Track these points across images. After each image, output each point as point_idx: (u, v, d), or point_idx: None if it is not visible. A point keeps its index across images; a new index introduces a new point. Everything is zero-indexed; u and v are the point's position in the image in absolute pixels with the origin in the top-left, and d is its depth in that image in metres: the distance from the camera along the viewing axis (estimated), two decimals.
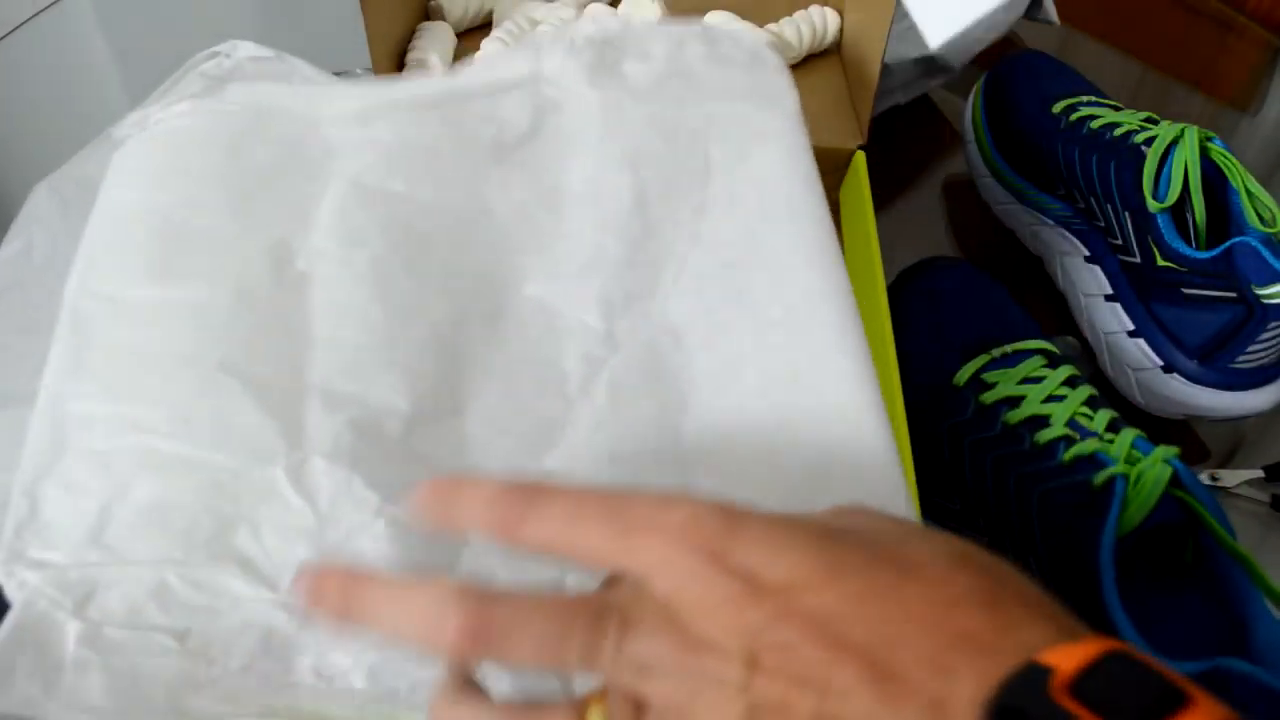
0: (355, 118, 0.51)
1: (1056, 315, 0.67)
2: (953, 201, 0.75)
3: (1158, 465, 0.46)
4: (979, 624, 0.26)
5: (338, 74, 0.58)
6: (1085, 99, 0.66)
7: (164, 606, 0.37)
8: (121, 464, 0.40)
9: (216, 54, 0.55)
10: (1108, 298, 0.62)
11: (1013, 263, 0.70)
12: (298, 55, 0.56)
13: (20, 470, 0.40)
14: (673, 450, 0.43)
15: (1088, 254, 0.64)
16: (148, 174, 0.49)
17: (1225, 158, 0.59)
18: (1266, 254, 0.53)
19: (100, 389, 0.41)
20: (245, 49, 0.56)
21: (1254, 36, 0.92)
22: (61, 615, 0.36)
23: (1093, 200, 0.62)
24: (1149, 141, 0.60)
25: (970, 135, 0.72)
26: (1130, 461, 0.47)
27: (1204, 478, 0.59)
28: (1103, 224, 0.62)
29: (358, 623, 0.31)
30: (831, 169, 0.62)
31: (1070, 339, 0.66)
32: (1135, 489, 0.45)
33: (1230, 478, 0.59)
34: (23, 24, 0.75)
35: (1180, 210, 0.59)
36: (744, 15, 0.69)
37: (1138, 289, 0.60)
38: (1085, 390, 0.52)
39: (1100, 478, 0.46)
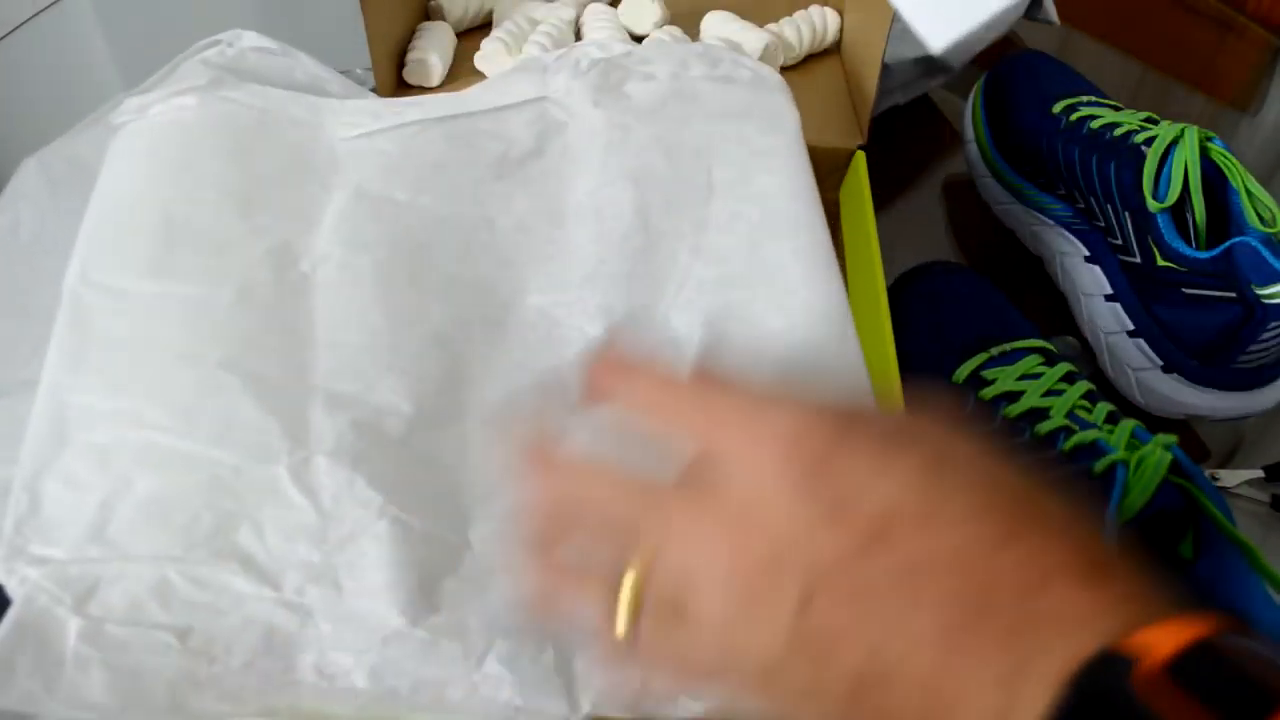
0: (363, 134, 0.51)
1: (1056, 315, 0.67)
2: (953, 201, 0.75)
3: (1158, 451, 0.46)
4: (1072, 599, 0.24)
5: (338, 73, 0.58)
6: (1085, 99, 0.66)
7: (165, 604, 0.37)
8: (122, 459, 0.40)
9: (218, 42, 0.55)
10: (1107, 297, 0.62)
11: (1013, 263, 0.70)
12: None
13: (20, 464, 0.40)
14: (672, 457, 0.43)
15: (1088, 254, 0.64)
16: (151, 165, 0.49)
17: (1225, 158, 0.59)
18: (1266, 254, 0.54)
19: (101, 383, 0.41)
20: (248, 39, 0.56)
21: (1254, 36, 0.92)
22: (62, 611, 0.36)
23: (1093, 200, 0.62)
24: (1149, 141, 0.60)
25: (970, 135, 0.72)
26: (1130, 448, 0.47)
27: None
28: (1103, 224, 0.62)
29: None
30: (831, 169, 0.62)
31: (1070, 339, 0.66)
32: (1136, 475, 0.45)
33: (1230, 478, 0.59)
34: (23, 24, 0.75)
35: (1180, 210, 0.59)
36: (744, 15, 0.69)
37: (1138, 289, 0.60)
38: (1083, 385, 0.52)
39: (1101, 465, 0.46)
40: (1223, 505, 0.46)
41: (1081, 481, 0.47)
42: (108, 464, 0.40)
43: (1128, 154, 0.61)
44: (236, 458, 0.40)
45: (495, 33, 0.68)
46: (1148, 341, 0.60)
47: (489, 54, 0.67)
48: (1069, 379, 0.52)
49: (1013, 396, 0.52)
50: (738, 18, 0.69)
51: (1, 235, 0.50)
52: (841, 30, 0.71)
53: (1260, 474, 0.59)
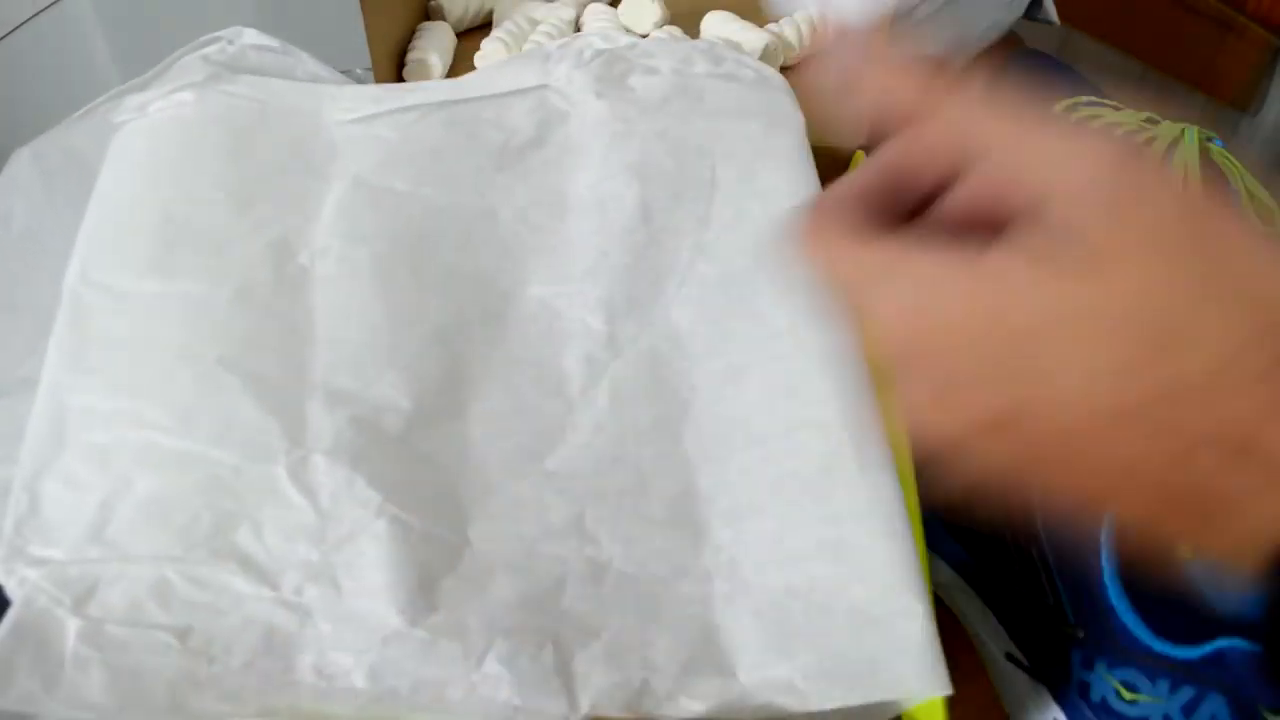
0: (361, 119, 0.51)
1: None
2: None
3: None
4: None
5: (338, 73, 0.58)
6: (1085, 99, 0.66)
7: (164, 604, 0.37)
8: (122, 459, 0.40)
9: (219, 39, 0.55)
10: None
11: None
12: None
13: (20, 465, 0.40)
14: (673, 454, 0.43)
15: None
16: (149, 163, 0.49)
17: (1225, 158, 0.59)
18: None
19: (101, 383, 0.41)
20: (248, 36, 0.56)
21: (1254, 36, 0.92)
22: (62, 612, 0.36)
23: None
24: (1149, 142, 0.60)
25: None
26: None
27: None
28: None
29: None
30: (831, 169, 0.62)
31: None
32: None
33: None
34: (23, 24, 0.75)
35: None
36: (744, 15, 0.69)
37: None
38: None
39: None
40: None
41: None
42: (107, 464, 0.40)
43: None
44: (236, 457, 0.40)
45: (495, 33, 0.68)
46: None
47: (489, 54, 0.67)
48: None
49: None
50: (738, 18, 0.69)
51: None
52: None
53: None
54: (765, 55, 0.66)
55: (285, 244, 0.46)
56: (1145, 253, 0.22)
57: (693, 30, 0.69)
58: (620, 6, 0.70)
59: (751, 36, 0.67)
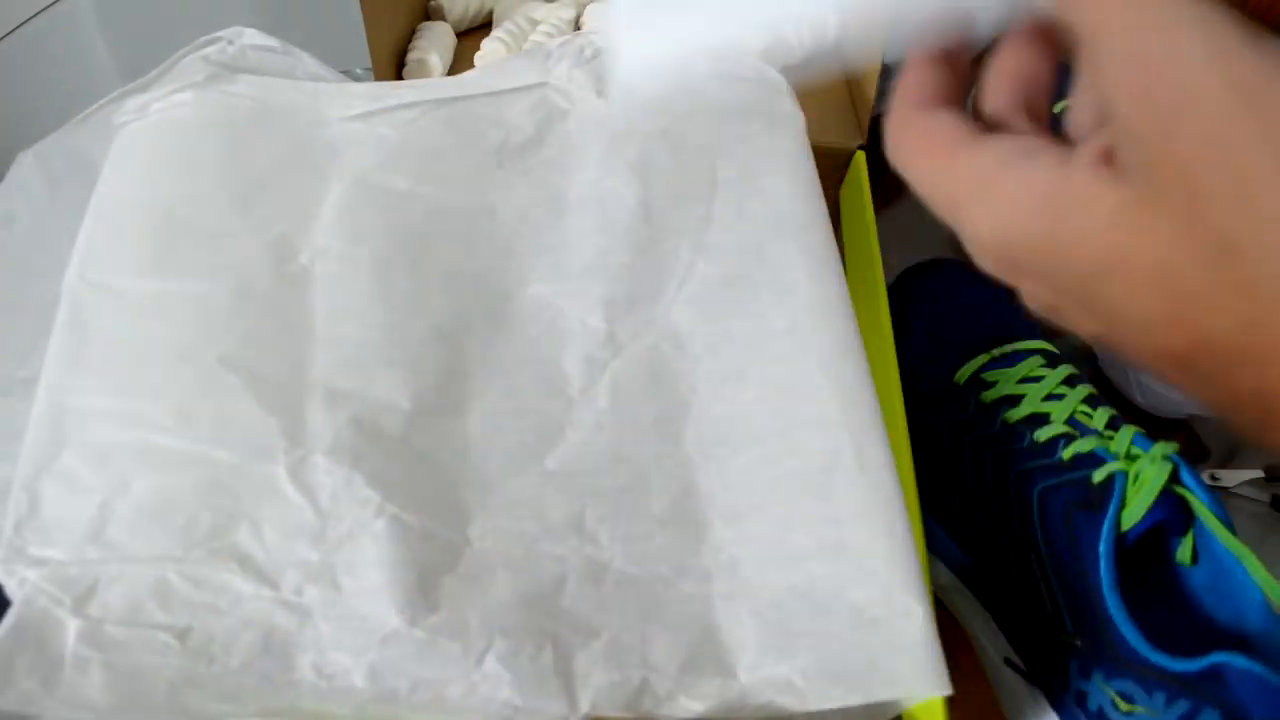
0: (361, 116, 0.51)
1: None
2: None
3: (1157, 462, 0.46)
4: None
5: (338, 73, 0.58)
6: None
7: (164, 604, 0.37)
8: (121, 459, 0.40)
9: (219, 39, 0.55)
10: None
11: None
12: None
13: (20, 465, 0.40)
14: (674, 454, 0.43)
15: None
16: (149, 164, 0.49)
17: None
18: None
19: (100, 382, 0.41)
20: (249, 36, 0.56)
21: None
22: (61, 612, 0.36)
23: None
24: None
25: None
26: (1130, 458, 0.47)
27: (1204, 478, 0.59)
28: None
29: None
30: (831, 169, 0.62)
31: (1071, 338, 0.66)
32: (1135, 485, 0.45)
33: (1230, 478, 0.59)
34: (23, 24, 0.75)
35: None
36: None
37: None
38: (1084, 389, 0.52)
39: (1100, 474, 0.46)
40: (1222, 513, 0.46)
41: (1080, 490, 0.47)
42: (107, 464, 0.40)
43: None
44: (235, 457, 0.40)
45: (495, 33, 0.68)
46: None
47: (489, 54, 0.67)
48: (1070, 382, 0.52)
49: (1013, 400, 0.52)
50: None
51: None
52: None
53: (1260, 474, 0.59)
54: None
55: (285, 243, 0.46)
56: (1189, 175, 0.21)
57: None
58: None
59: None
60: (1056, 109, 0.71)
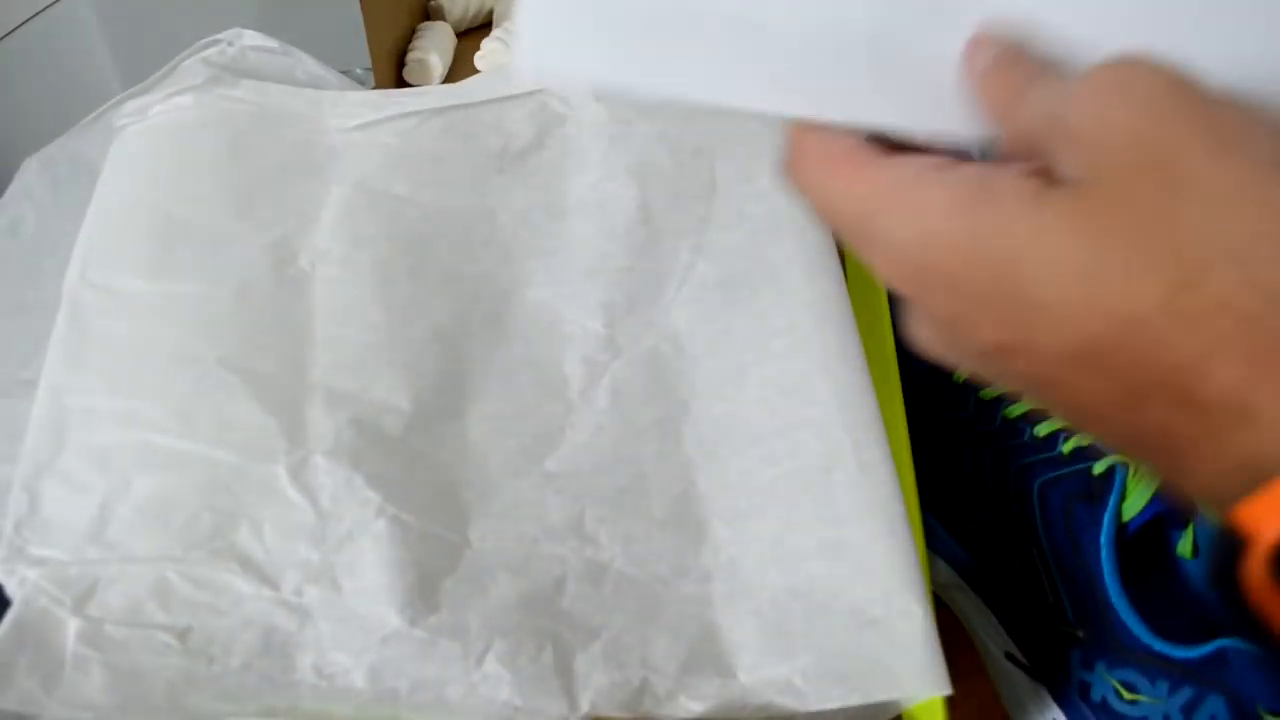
0: (362, 127, 0.52)
1: None
2: None
3: None
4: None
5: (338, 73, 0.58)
6: None
7: (164, 604, 0.37)
8: (121, 459, 0.40)
9: (219, 41, 0.56)
10: None
11: None
12: None
13: (20, 465, 0.40)
14: (673, 455, 0.43)
15: None
16: (149, 166, 0.49)
17: None
18: None
19: (100, 383, 0.42)
20: (248, 38, 0.56)
21: None
22: (62, 612, 0.36)
23: None
24: None
25: None
26: None
27: None
28: None
29: None
30: None
31: None
32: (1135, 477, 0.45)
33: None
34: (23, 24, 0.75)
35: None
36: None
37: None
38: None
39: (1100, 466, 0.46)
40: None
41: (1081, 482, 0.47)
42: (107, 464, 0.40)
43: None
44: (235, 457, 0.40)
45: (495, 33, 0.68)
46: None
47: (489, 54, 0.67)
48: None
49: (1014, 397, 0.52)
50: None
51: (2, 234, 0.51)
52: None
53: None
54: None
55: (285, 246, 0.47)
56: (1121, 185, 0.21)
57: None
58: None
59: None
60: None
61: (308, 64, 0.56)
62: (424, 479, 0.41)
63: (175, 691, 0.35)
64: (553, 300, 0.47)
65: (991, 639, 0.49)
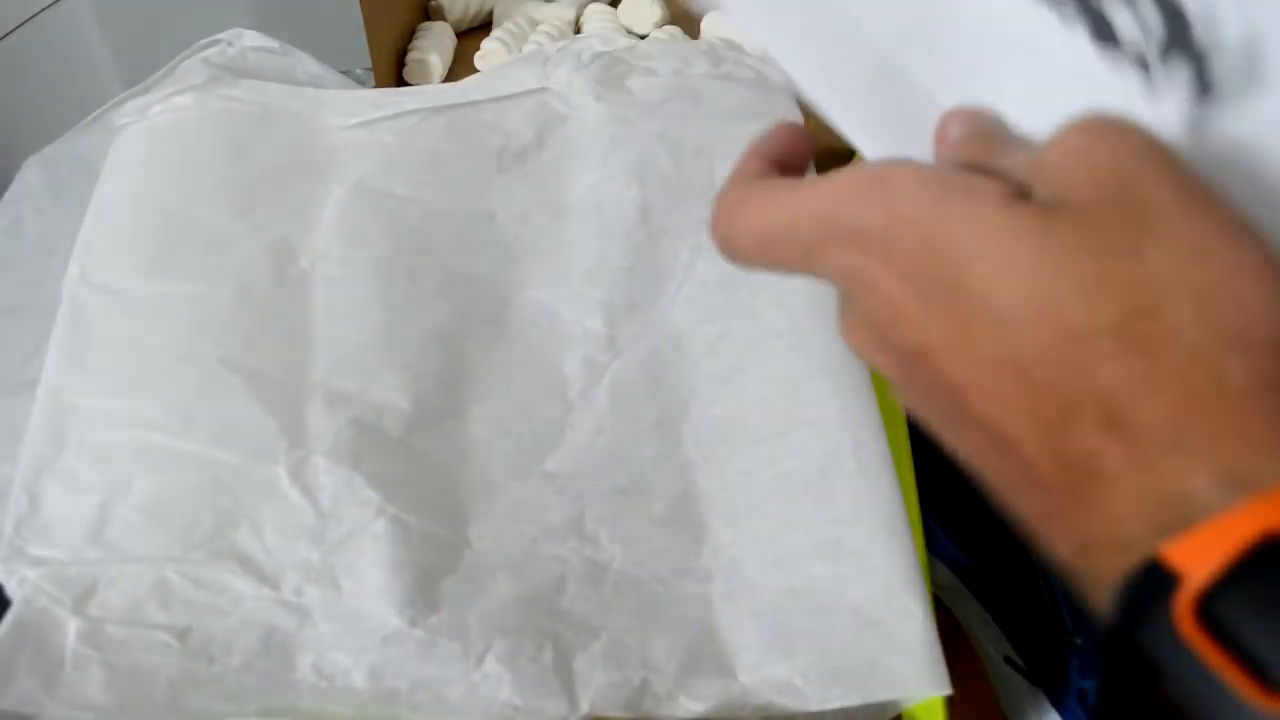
0: (362, 125, 0.52)
1: None
2: None
3: None
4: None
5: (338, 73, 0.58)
6: None
7: (164, 604, 0.37)
8: (122, 460, 0.40)
9: (218, 41, 0.56)
10: None
11: None
12: None
13: (20, 465, 0.40)
14: (673, 455, 0.43)
15: None
16: (149, 165, 0.49)
17: None
18: None
19: (100, 383, 0.42)
20: (248, 38, 0.56)
21: None
22: (62, 612, 0.36)
23: None
24: None
25: None
26: None
27: None
28: None
29: None
30: (831, 169, 0.62)
31: None
32: None
33: None
34: (23, 24, 0.75)
35: None
36: None
37: None
38: None
39: None
40: None
41: None
42: (107, 464, 0.40)
43: None
44: (235, 457, 0.40)
45: (495, 33, 0.68)
46: None
47: (489, 54, 0.67)
48: None
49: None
50: None
51: (2, 234, 0.51)
52: None
53: None
54: (765, 55, 0.66)
55: (285, 246, 0.47)
56: (1093, 212, 0.21)
57: (693, 30, 0.69)
58: (620, 6, 0.70)
59: None
60: None
61: (307, 64, 0.56)
62: (424, 479, 0.41)
63: (175, 691, 0.35)
64: (552, 300, 0.47)
65: (990, 643, 0.49)
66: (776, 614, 0.38)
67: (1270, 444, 0.19)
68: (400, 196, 0.49)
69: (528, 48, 0.66)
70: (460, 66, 0.68)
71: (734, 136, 0.52)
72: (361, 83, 0.60)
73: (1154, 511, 0.20)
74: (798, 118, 0.54)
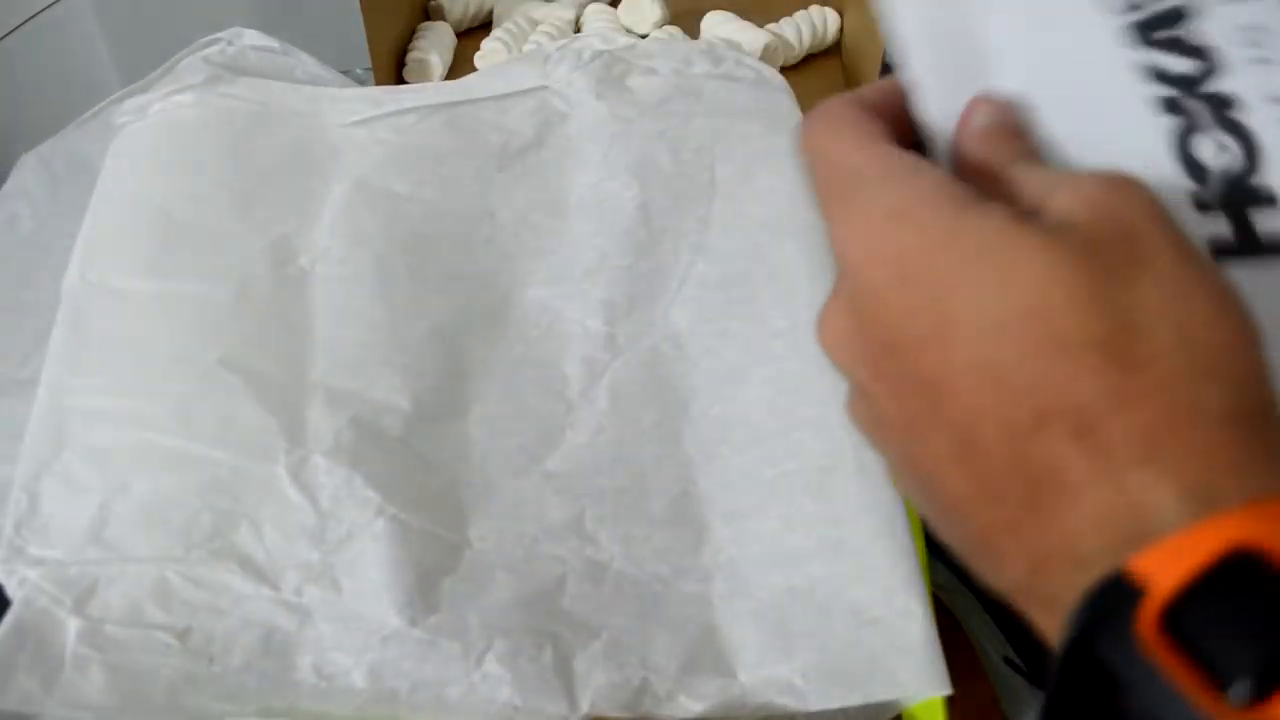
0: (361, 122, 0.52)
1: None
2: None
3: None
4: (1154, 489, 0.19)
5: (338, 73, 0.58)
6: None
7: (164, 604, 0.37)
8: (121, 460, 0.40)
9: (218, 40, 0.56)
10: None
11: None
12: None
13: (20, 465, 0.40)
14: (673, 455, 0.43)
15: None
16: (149, 164, 0.49)
17: None
18: None
19: (100, 383, 0.42)
20: (248, 37, 0.56)
21: None
22: (61, 612, 0.36)
23: None
24: None
25: None
26: None
27: None
28: None
29: None
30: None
31: None
32: None
33: None
34: (23, 24, 0.75)
35: None
36: (744, 15, 0.69)
37: None
38: None
39: None
40: None
41: None
42: (107, 464, 0.40)
43: None
44: (235, 457, 0.40)
45: (495, 33, 0.68)
46: None
47: (489, 54, 0.67)
48: None
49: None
50: (738, 18, 0.69)
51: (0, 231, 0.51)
52: (842, 30, 0.71)
53: None
54: (765, 55, 0.66)
55: (285, 245, 0.47)
56: (1096, 244, 0.22)
57: (693, 30, 0.70)
58: (620, 6, 0.70)
59: (751, 36, 0.67)
60: None
61: (307, 63, 0.56)
62: (424, 479, 0.41)
63: (175, 691, 0.36)
64: (553, 299, 0.47)
65: (990, 642, 0.49)
66: (776, 614, 0.38)
67: (1238, 466, 0.19)
68: (400, 195, 0.49)
69: (528, 48, 0.66)
70: (460, 66, 0.68)
71: (734, 136, 0.52)
72: (361, 82, 0.60)
73: (1113, 526, 0.20)
74: (797, 117, 0.54)
